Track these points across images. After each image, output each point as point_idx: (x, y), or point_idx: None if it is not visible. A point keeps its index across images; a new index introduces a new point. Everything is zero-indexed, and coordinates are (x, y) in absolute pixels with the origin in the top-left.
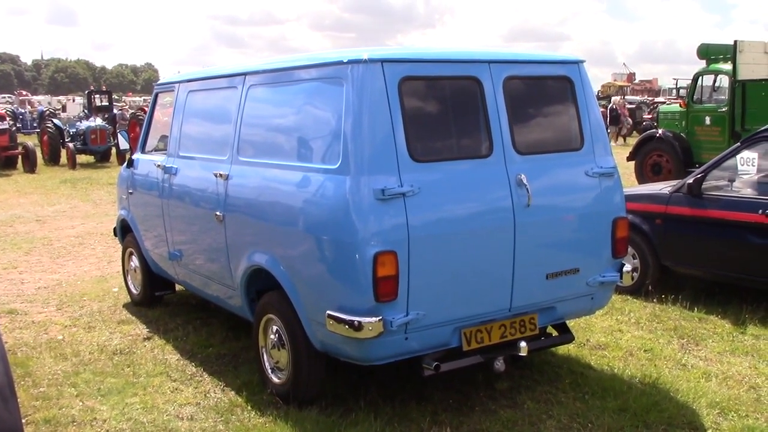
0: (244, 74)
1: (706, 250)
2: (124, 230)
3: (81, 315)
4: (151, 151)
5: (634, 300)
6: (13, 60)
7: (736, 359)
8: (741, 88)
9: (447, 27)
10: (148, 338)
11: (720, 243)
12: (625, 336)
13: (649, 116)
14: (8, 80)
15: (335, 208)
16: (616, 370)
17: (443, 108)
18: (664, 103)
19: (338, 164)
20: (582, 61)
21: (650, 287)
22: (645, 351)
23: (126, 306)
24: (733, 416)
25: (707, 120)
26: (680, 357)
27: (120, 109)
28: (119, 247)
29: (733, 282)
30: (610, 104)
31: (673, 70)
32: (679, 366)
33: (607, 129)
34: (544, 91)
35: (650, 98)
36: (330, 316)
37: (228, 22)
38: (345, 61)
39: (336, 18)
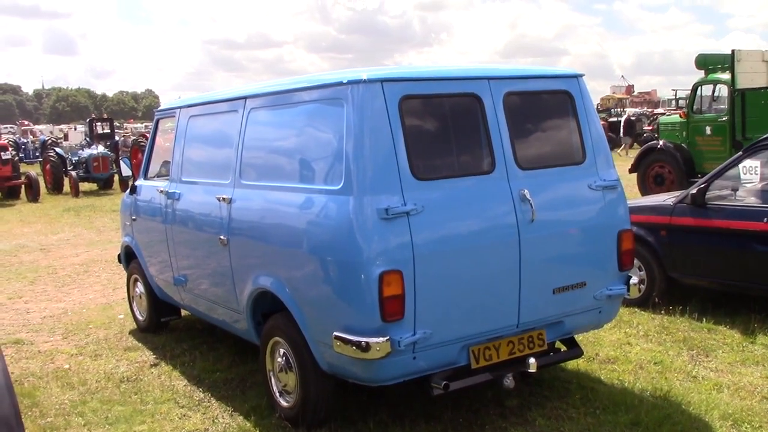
0: (245, 98)
1: (712, 260)
2: (128, 257)
3: (87, 343)
4: (154, 177)
5: (642, 312)
6: (15, 90)
7: (747, 369)
8: (740, 97)
9: (444, 45)
10: (155, 365)
11: (726, 252)
12: (635, 349)
13: (650, 128)
14: (10, 110)
15: (339, 228)
16: (626, 384)
17: (444, 125)
18: (664, 114)
19: (341, 185)
20: (581, 75)
21: (657, 299)
22: (655, 364)
23: (132, 333)
24: (746, 427)
25: (708, 130)
26: (691, 369)
27: (122, 136)
28: (124, 274)
29: (740, 291)
30: (625, 116)
31: (671, 81)
32: (689, 378)
33: (621, 140)
34: (544, 106)
35: (650, 110)
36: (337, 338)
37: (225, 47)
38: (345, 81)
39: (333, 39)
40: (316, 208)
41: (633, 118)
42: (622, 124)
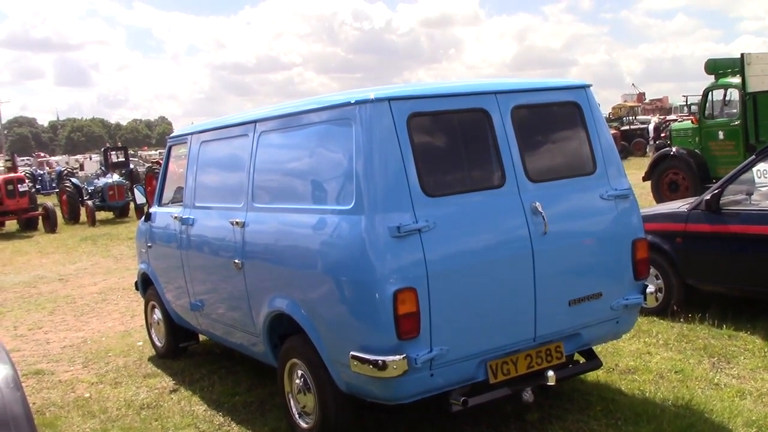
0: (255, 121)
1: (729, 265)
2: (145, 284)
3: (107, 371)
4: (168, 203)
5: (661, 321)
6: (30, 123)
7: None
8: (752, 100)
9: (452, 61)
10: (175, 390)
11: (742, 258)
12: (655, 358)
13: (662, 135)
14: (26, 143)
15: (352, 248)
16: (647, 394)
17: (453, 141)
18: (676, 120)
19: (352, 204)
20: (589, 86)
21: (676, 307)
22: (676, 372)
23: (151, 359)
24: None
25: (720, 135)
26: (712, 376)
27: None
28: (141, 301)
29: (759, 297)
30: (653, 123)
31: (682, 87)
32: (711, 386)
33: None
34: (553, 118)
35: (662, 117)
36: (354, 357)
37: (235, 71)
38: (353, 102)
39: (341, 60)
40: (328, 229)
41: (660, 125)
42: (651, 131)
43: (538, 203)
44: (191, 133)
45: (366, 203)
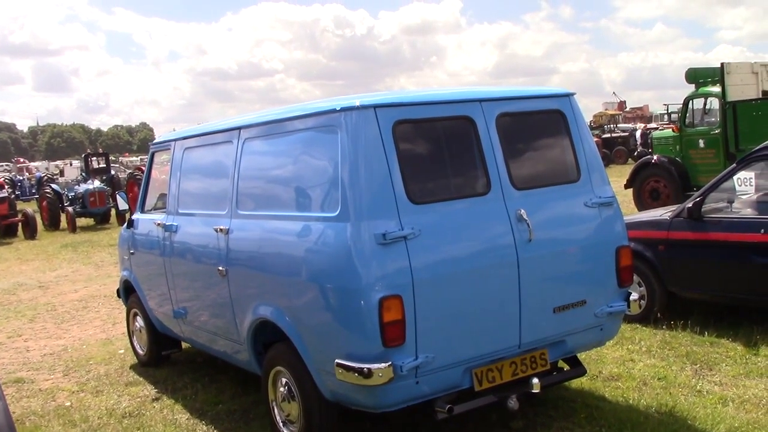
0: (239, 128)
1: (711, 273)
2: (127, 291)
3: (88, 379)
4: (151, 210)
5: (644, 328)
6: (9, 128)
7: (752, 382)
8: (732, 109)
9: (434, 68)
10: (157, 399)
11: (724, 265)
12: (638, 365)
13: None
14: (5, 148)
15: (337, 255)
16: (631, 401)
17: (438, 149)
18: (656, 129)
19: (338, 211)
20: (572, 94)
21: (659, 314)
22: (659, 379)
23: (133, 367)
24: None
25: (701, 143)
26: (695, 383)
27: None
28: (123, 309)
29: (741, 304)
30: (639, 130)
31: (662, 95)
32: (694, 393)
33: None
34: (537, 126)
35: (643, 125)
36: (339, 365)
37: (217, 78)
38: (338, 109)
39: (323, 67)
40: (313, 236)
41: (647, 131)
42: (638, 137)
43: (522, 210)
44: (175, 140)
45: (351, 210)
